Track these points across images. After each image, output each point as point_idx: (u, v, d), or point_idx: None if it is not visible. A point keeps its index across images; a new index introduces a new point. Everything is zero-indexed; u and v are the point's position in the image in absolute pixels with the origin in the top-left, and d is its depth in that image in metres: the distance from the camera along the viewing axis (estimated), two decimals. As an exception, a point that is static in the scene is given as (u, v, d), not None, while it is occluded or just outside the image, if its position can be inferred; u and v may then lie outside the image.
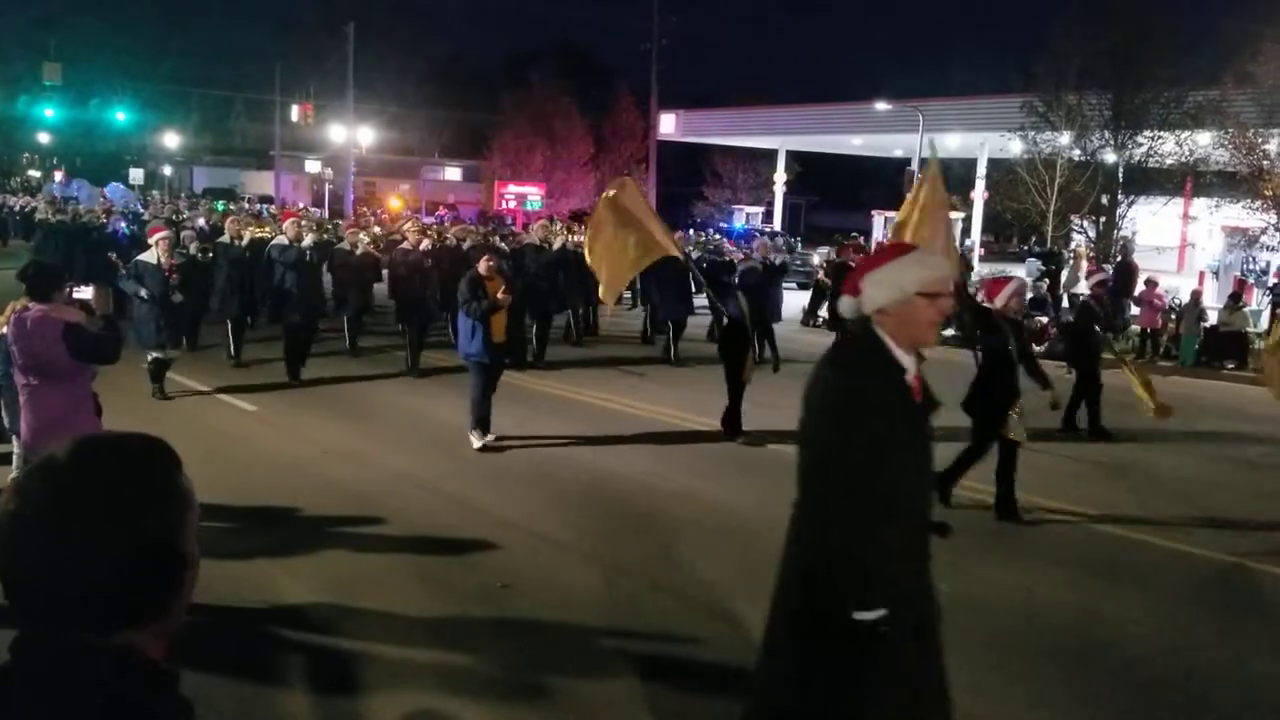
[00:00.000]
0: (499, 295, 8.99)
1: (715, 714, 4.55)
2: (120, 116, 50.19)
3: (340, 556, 6.44)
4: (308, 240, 12.33)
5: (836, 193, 56.16)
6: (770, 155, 43.67)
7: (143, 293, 10.44)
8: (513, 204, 41.50)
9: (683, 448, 9.61)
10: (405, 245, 13.77)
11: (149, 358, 10.59)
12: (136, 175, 49.28)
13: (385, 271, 15.01)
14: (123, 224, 18.31)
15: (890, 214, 39.04)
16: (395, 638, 5.19)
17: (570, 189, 47.36)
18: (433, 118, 56.78)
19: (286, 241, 12.08)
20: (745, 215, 44.04)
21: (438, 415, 10.43)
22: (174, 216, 22.86)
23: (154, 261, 10.63)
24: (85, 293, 5.81)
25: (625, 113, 48.75)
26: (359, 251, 14.57)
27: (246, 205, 35.14)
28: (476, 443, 9.11)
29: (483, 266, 9.22)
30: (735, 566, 6.43)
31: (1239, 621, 6.01)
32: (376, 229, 24.07)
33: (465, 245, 14.32)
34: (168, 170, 57.51)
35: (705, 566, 6.45)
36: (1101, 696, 4.91)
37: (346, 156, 43.18)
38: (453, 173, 59.10)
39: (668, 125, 43.40)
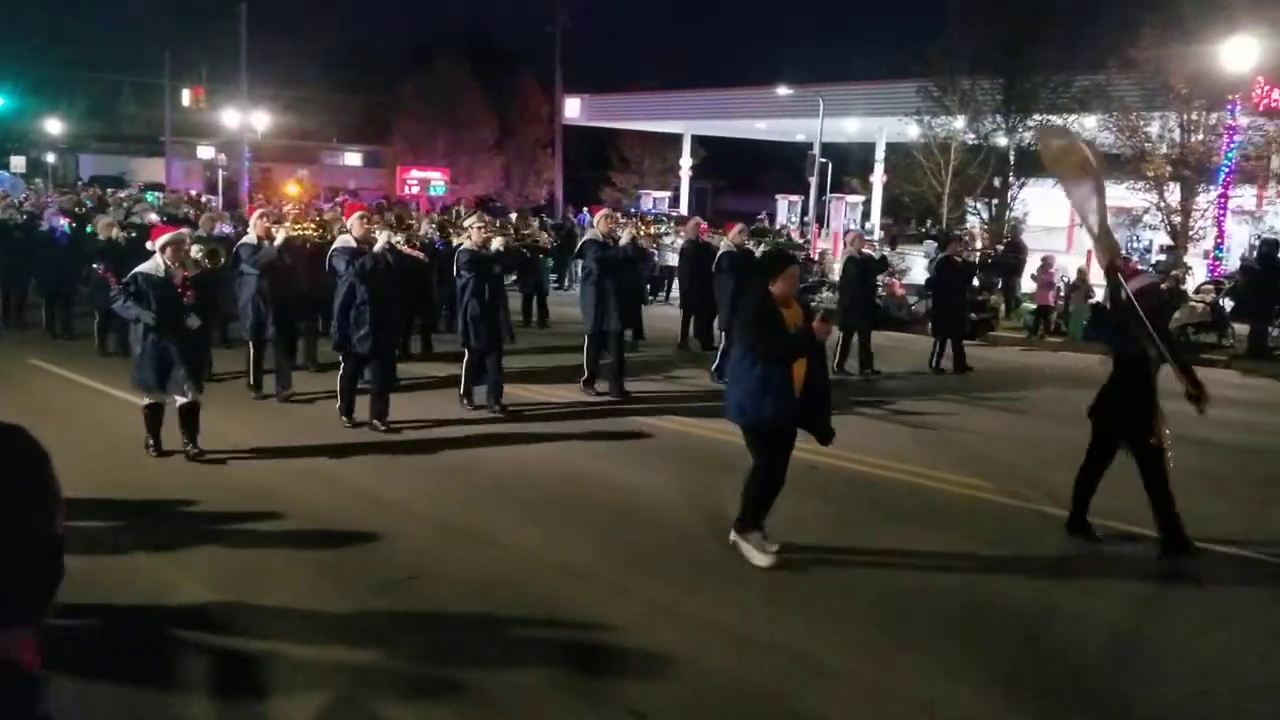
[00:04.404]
0: (816, 324, 5.98)
1: (629, 697, 4.56)
2: (-1, 102, 47.83)
3: (238, 552, 6.25)
4: (381, 240, 9.61)
5: (741, 177, 56.62)
6: (676, 140, 43.82)
7: (147, 317, 7.91)
8: (416, 189, 40.77)
9: (587, 429, 9.61)
10: (469, 246, 10.61)
11: (144, 402, 8.22)
12: (18, 163, 47.07)
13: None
14: (62, 221, 14.97)
15: (793, 198, 39.96)
16: (298, 635, 5.06)
17: (475, 174, 46.80)
18: (331, 102, 55.42)
19: (353, 244, 9.45)
20: (652, 200, 44.11)
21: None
22: (75, 209, 19.55)
23: (159, 274, 8.02)
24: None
25: (530, 97, 48.34)
26: None
27: (135, 192, 33.64)
28: (761, 560, 6.10)
29: (779, 285, 6.10)
30: (645, 548, 6.47)
31: (1112, 583, 6.26)
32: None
33: (494, 247, 10.58)
34: (51, 158, 55.04)
35: (614, 549, 6.45)
36: (994, 661, 5.07)
37: (240, 142, 41.86)
38: (353, 158, 57.92)
39: (573, 109, 43.23)
